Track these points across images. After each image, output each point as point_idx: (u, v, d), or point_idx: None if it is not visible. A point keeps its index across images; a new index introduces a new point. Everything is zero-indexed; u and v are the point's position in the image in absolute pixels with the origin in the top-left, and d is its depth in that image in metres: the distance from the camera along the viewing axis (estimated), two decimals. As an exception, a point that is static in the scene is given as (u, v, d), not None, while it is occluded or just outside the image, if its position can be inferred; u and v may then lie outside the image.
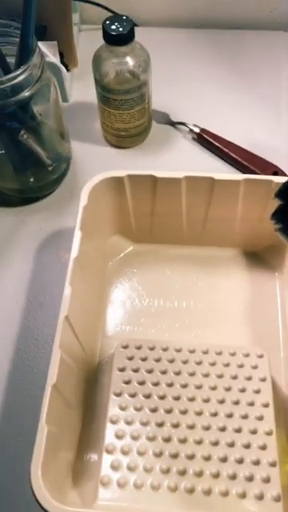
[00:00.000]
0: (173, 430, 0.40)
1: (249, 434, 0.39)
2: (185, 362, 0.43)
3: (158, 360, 0.43)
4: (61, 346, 0.38)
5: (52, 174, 0.56)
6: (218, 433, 0.40)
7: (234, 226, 0.50)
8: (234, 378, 0.42)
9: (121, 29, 0.51)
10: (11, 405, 0.45)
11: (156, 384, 0.42)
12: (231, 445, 0.39)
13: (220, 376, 0.42)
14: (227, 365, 0.43)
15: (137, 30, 0.52)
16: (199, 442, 0.39)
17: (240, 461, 0.38)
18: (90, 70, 0.55)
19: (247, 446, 0.39)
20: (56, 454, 0.37)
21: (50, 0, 0.57)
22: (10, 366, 0.47)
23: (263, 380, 0.42)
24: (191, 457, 0.39)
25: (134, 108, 0.56)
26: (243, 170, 0.57)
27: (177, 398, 0.41)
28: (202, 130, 0.60)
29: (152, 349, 0.44)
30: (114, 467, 0.38)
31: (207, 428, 0.40)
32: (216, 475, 0.38)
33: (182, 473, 0.38)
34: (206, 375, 0.43)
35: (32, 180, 0.56)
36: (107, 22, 0.51)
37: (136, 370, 0.43)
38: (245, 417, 0.40)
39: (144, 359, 0.43)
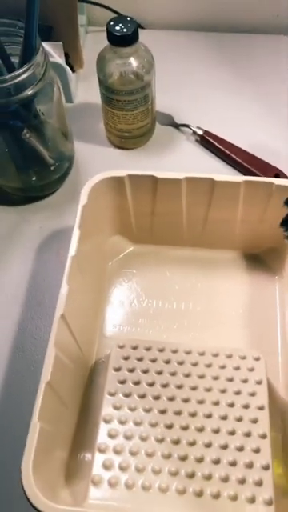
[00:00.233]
0: (166, 430, 0.40)
1: (243, 437, 0.39)
2: (181, 363, 0.43)
3: (153, 360, 0.43)
4: (56, 345, 0.38)
5: (54, 173, 0.57)
6: (211, 434, 0.39)
7: (234, 227, 0.50)
8: (230, 380, 0.42)
9: (125, 30, 0.51)
10: (7, 403, 0.45)
11: (151, 384, 0.42)
12: (224, 447, 0.39)
13: (216, 378, 0.42)
14: (223, 367, 0.43)
15: (142, 32, 0.52)
16: (192, 444, 0.39)
17: (233, 463, 0.38)
18: (95, 72, 0.55)
19: (240, 449, 0.39)
20: (50, 452, 0.37)
21: (56, 1, 0.58)
22: (7, 365, 0.47)
23: (259, 383, 0.42)
24: (184, 458, 0.38)
25: (138, 109, 0.56)
26: (245, 172, 0.57)
27: (171, 399, 0.41)
28: (206, 132, 0.60)
29: (148, 349, 0.44)
30: (106, 466, 0.38)
31: (201, 429, 0.40)
32: (208, 477, 0.38)
33: (175, 474, 0.38)
34: (202, 376, 0.42)
35: (34, 179, 0.57)
36: (111, 23, 0.51)
37: (131, 370, 0.43)
38: (239, 419, 0.40)
39: (140, 359, 0.43)
